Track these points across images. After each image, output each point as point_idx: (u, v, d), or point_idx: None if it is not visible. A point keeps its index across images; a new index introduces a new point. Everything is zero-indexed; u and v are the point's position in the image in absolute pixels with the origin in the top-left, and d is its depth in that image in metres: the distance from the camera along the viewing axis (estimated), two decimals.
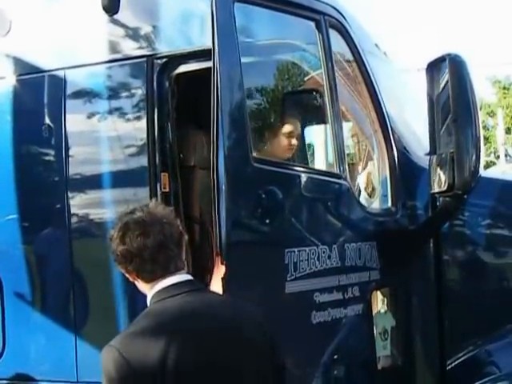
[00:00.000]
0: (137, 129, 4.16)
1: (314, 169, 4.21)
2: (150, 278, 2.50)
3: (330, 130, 3.93)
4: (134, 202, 3.77)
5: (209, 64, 3.53)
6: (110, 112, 4.25)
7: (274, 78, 4.30)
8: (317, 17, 3.91)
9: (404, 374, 4.23)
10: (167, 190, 4.12)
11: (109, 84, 4.25)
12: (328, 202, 3.89)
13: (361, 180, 4.39)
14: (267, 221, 3.50)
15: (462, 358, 4.25)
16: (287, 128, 4.21)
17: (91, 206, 4.32)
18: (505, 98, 34.39)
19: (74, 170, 4.30)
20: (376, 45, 4.66)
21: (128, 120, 4.21)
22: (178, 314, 2.41)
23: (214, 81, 3.38)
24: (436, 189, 3.88)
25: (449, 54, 3.81)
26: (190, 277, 2.56)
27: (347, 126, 4.42)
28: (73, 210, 4.29)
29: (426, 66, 4.01)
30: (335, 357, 3.82)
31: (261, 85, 4.13)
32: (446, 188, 3.77)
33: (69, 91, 4.32)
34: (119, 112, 4.24)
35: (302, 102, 4.59)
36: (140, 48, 4.23)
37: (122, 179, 4.22)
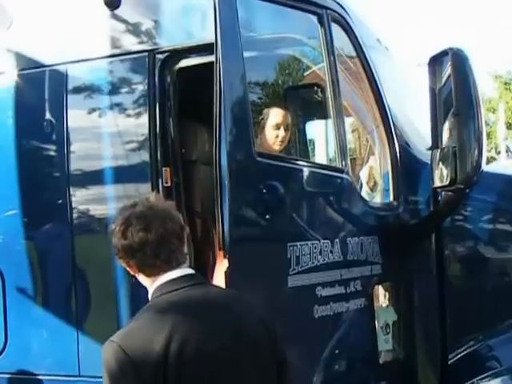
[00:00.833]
0: (138, 123, 4.15)
1: (316, 163, 4.21)
2: (152, 273, 2.49)
3: (332, 124, 3.93)
4: (135, 197, 3.75)
5: (211, 58, 3.53)
6: (112, 107, 4.24)
7: (276, 73, 4.29)
8: (319, 11, 3.91)
9: (406, 368, 4.24)
10: (169, 184, 4.12)
11: (110, 79, 4.25)
12: (330, 197, 3.89)
13: (363, 174, 4.39)
14: (270, 215, 3.50)
15: (464, 353, 4.27)
16: (273, 120, 4.13)
17: (93, 200, 4.32)
18: (506, 92, 34.32)
19: (75, 165, 4.29)
20: (378, 39, 4.66)
21: (130, 115, 4.20)
22: (180, 309, 2.40)
23: (216, 75, 3.38)
24: (438, 183, 3.87)
25: (451, 48, 3.80)
26: (192, 271, 2.56)
27: (349, 121, 4.41)
28: (75, 205, 4.29)
29: (428, 60, 4.00)
30: (337, 351, 3.83)
31: (263, 79, 4.12)
32: (448, 182, 3.76)
33: (70, 86, 4.31)
34: (121, 107, 4.23)
35: (304, 97, 4.59)
36: (142, 42, 4.22)
37: (123, 174, 4.22)
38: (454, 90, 3.75)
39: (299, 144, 5.00)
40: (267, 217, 3.49)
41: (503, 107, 30.57)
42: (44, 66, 4.40)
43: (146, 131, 4.11)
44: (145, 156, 4.12)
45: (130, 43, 4.23)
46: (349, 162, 3.90)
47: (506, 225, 4.53)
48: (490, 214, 4.46)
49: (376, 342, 4.02)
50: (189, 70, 4.14)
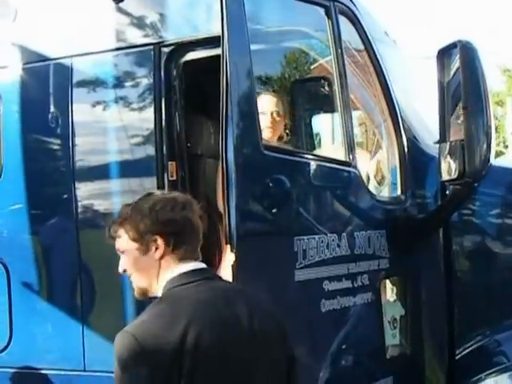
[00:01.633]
0: (144, 117, 4.13)
1: (323, 156, 4.18)
2: (179, 256, 2.47)
3: (340, 117, 3.90)
4: (141, 191, 3.74)
5: (217, 51, 3.50)
6: (118, 100, 4.22)
7: (283, 66, 4.26)
8: (326, 3, 3.88)
9: (413, 362, 4.22)
10: (175, 178, 4.10)
11: (116, 72, 4.22)
12: (337, 190, 3.87)
13: (370, 168, 4.36)
14: (277, 208, 3.48)
15: (471, 348, 4.25)
16: (259, 107, 3.96)
17: (99, 194, 4.31)
18: None
19: (81, 158, 4.28)
20: (385, 32, 4.63)
21: (135, 108, 4.18)
22: (196, 301, 2.38)
23: (223, 68, 3.35)
24: (446, 177, 3.84)
25: (460, 41, 3.76)
26: (204, 265, 2.55)
27: (357, 114, 4.39)
28: (80, 199, 4.28)
29: (436, 53, 3.97)
30: (344, 345, 3.81)
31: (270, 72, 4.09)
32: (456, 176, 3.73)
33: (75, 80, 4.29)
34: (126, 100, 4.21)
35: (311, 90, 4.56)
36: (147, 36, 4.20)
37: (129, 168, 4.20)
38: (463, 82, 3.72)
39: (306, 137, 4.97)
40: (274, 210, 3.48)
41: (511, 101, 30.46)
42: (49, 59, 4.38)
43: (152, 125, 4.08)
44: (150, 150, 4.09)
45: (136, 36, 4.20)
46: (356, 156, 3.88)
47: None
48: (498, 208, 4.44)
49: (383, 337, 4.00)
50: (195, 64, 4.12)
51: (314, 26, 4.13)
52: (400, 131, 4.17)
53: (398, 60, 4.64)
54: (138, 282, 2.54)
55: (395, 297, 4.22)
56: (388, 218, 4.09)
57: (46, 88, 4.44)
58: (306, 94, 4.57)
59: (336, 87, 3.90)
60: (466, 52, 3.75)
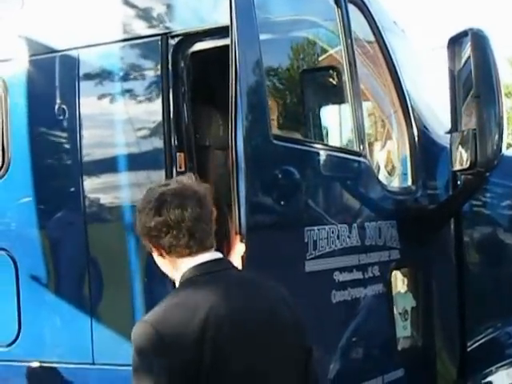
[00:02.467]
0: (152, 109, 4.10)
1: (333, 146, 4.14)
2: (183, 253, 2.42)
3: (350, 107, 3.87)
4: (149, 183, 3.71)
5: (225, 42, 3.47)
6: (125, 92, 4.18)
7: (292, 55, 4.22)
8: None
9: (424, 354, 4.20)
10: (183, 169, 4.07)
11: (123, 64, 4.18)
12: (348, 180, 3.84)
13: (381, 158, 4.34)
14: (287, 199, 3.46)
15: (483, 340, 4.22)
16: None
17: (107, 187, 4.28)
18: None
19: (88, 151, 4.24)
20: (394, 22, 4.59)
21: (143, 100, 4.14)
22: (215, 291, 2.34)
23: (231, 58, 3.31)
24: (458, 167, 3.82)
25: (471, 29, 3.73)
26: (220, 255, 2.51)
27: (367, 104, 4.36)
28: (88, 193, 4.25)
29: (447, 42, 3.93)
30: (354, 337, 3.79)
31: (279, 62, 4.05)
32: (468, 166, 3.70)
33: (82, 71, 4.25)
34: (134, 92, 4.17)
35: (321, 80, 4.53)
36: (154, 26, 4.16)
37: (137, 160, 4.16)
38: (474, 71, 3.69)
39: (316, 127, 4.94)
40: (284, 200, 3.45)
41: None
42: (55, 51, 4.35)
43: (160, 117, 4.05)
44: (158, 141, 4.06)
45: (143, 27, 4.16)
46: (367, 146, 3.85)
47: None
48: (509, 199, 4.40)
49: (394, 329, 3.99)
50: (202, 54, 4.08)
51: (323, 15, 4.09)
52: (410, 121, 4.15)
53: (407, 49, 4.60)
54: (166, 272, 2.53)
55: (406, 288, 4.20)
56: (399, 209, 4.07)
57: (53, 80, 4.41)
58: (316, 84, 4.52)
59: (346, 77, 3.87)
60: (478, 40, 3.71)
